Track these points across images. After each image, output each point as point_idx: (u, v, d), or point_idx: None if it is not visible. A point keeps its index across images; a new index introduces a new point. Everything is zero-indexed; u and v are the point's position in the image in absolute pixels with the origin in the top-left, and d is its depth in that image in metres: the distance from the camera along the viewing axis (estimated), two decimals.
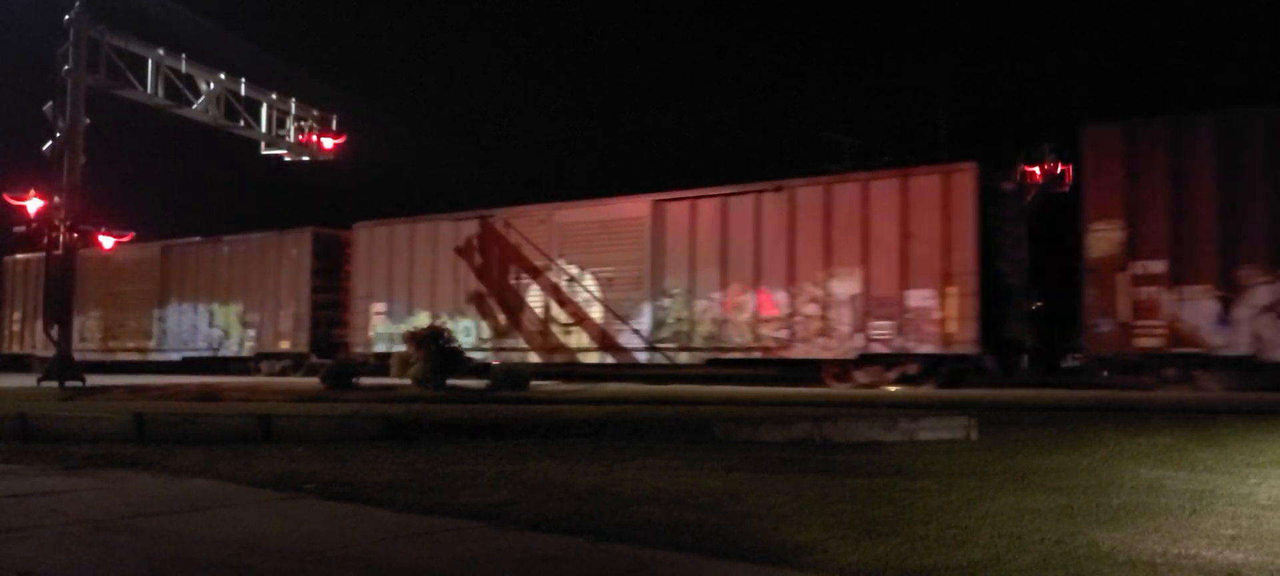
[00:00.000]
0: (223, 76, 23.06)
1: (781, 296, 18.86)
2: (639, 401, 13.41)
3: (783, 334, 18.78)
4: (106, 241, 23.01)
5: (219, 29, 26.35)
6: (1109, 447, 7.79)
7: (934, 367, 17.51)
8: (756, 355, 18.78)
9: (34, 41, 21.37)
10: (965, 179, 17.23)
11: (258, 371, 26.42)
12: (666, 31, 51.53)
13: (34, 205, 20.36)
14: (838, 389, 17.36)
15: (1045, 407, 11.95)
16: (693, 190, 20.19)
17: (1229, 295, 14.70)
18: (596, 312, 21.37)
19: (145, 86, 21.50)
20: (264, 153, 24.84)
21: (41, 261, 28.74)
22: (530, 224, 22.64)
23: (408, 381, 18.22)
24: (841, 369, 18.26)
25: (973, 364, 17.36)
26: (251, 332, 27.17)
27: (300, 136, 24.80)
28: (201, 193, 41.47)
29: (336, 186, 31.89)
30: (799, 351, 18.68)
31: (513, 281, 22.65)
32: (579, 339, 21.53)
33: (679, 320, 19.83)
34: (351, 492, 6.06)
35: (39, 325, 27.32)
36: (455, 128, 52.42)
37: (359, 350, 24.65)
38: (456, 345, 19.72)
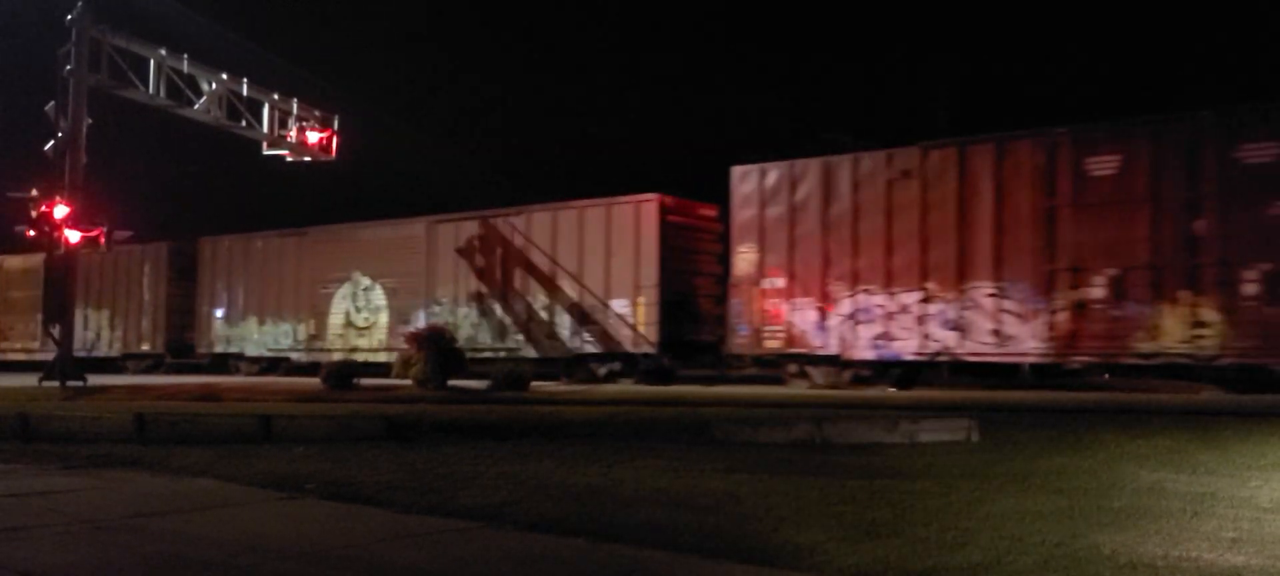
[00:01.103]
0: (225, 76, 23.06)
1: (520, 304, 22.15)
2: (639, 402, 13.41)
3: (520, 337, 22.09)
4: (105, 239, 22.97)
5: (221, 29, 26.28)
6: (1110, 449, 7.78)
7: (633, 365, 20.33)
8: (502, 354, 21.67)
9: (36, 41, 21.37)
10: (651, 209, 20.25)
11: (126, 369, 28.75)
12: (666, 31, 51.58)
13: (36, 204, 20.35)
14: (566, 385, 19.56)
15: (1046, 409, 11.95)
16: (458, 214, 23.62)
17: (825, 307, 17.68)
18: (384, 318, 24.58)
19: (147, 87, 21.48)
20: (266, 153, 24.84)
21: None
22: (335, 241, 25.85)
23: (409, 381, 18.24)
24: (566, 366, 20.93)
25: (656, 361, 20.13)
26: (118, 335, 29.77)
27: (302, 137, 24.82)
28: (204, 192, 41.41)
29: (339, 185, 31.85)
30: (531, 351, 21.69)
31: (322, 290, 25.77)
32: (371, 340, 24.71)
33: (447, 324, 22.47)
34: (352, 493, 6.06)
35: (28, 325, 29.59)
36: (459, 127, 52.44)
37: (202, 349, 27.94)
38: (459, 346, 19.82)
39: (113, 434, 9.42)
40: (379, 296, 24.59)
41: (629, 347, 20.26)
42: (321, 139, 25.13)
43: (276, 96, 24.41)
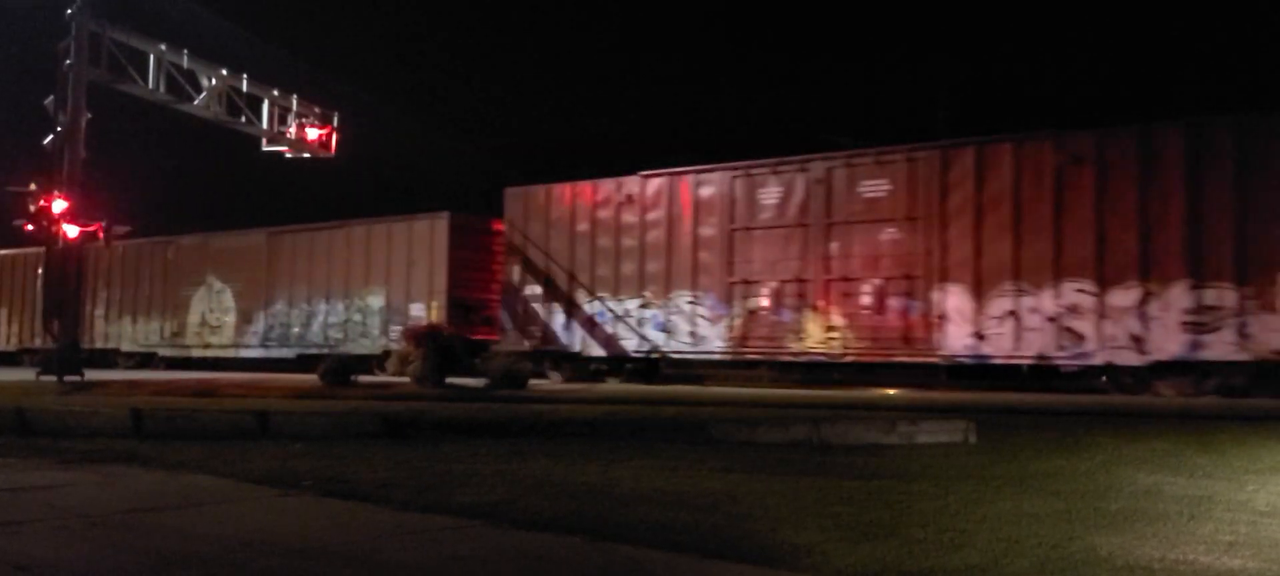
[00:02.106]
0: (225, 72, 23.01)
1: (340, 306, 25.23)
2: (637, 401, 13.40)
3: (340, 335, 25.05)
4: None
5: (222, 23, 26.24)
6: (1107, 452, 7.78)
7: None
8: (326, 351, 23.98)
9: (36, 34, 21.29)
10: (442, 224, 23.24)
11: (22, 362, 29.89)
12: (669, 30, 51.57)
13: (35, 199, 20.30)
14: (380, 377, 20.67)
15: (1044, 411, 11.95)
16: (296, 226, 26.65)
17: (570, 312, 20.86)
18: (231, 318, 27.71)
19: (147, 81, 21.45)
20: (265, 149, 24.81)
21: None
22: (195, 248, 28.62)
23: (406, 379, 18.21)
24: (377, 362, 22.42)
25: None
26: (15, 330, 32.51)
27: (301, 133, 24.79)
28: (203, 186, 41.31)
29: (340, 182, 31.79)
30: (349, 348, 24.15)
31: (183, 292, 28.75)
32: (222, 338, 27.92)
33: (282, 325, 26.22)
34: (349, 490, 6.05)
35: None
36: (460, 123, 52.37)
37: (86, 344, 29.09)
38: (455, 344, 19.84)
39: (109, 429, 9.40)
40: (228, 298, 27.82)
41: None
42: (321, 136, 25.11)
43: (276, 92, 24.37)
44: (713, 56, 50.26)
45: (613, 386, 18.93)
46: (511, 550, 4.49)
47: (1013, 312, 16.24)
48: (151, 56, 21.60)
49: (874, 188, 17.69)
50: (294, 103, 24.73)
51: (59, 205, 19.53)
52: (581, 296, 20.67)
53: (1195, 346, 15.02)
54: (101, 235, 20.87)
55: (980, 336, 16.49)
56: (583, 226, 20.79)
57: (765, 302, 18.57)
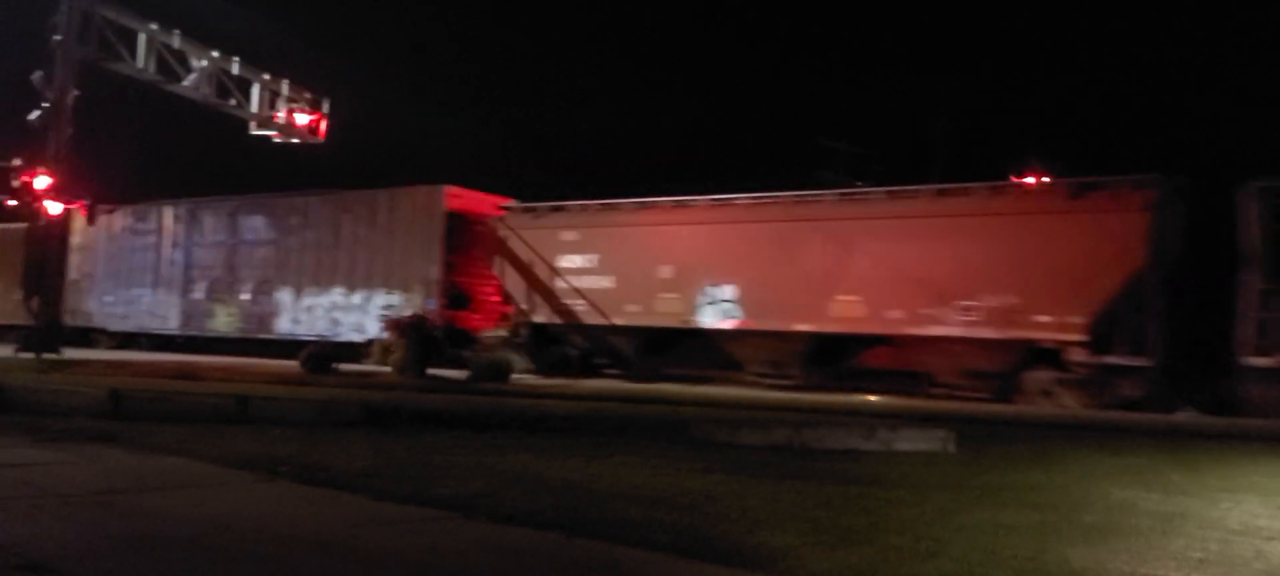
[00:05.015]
0: (216, 54, 22.90)
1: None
2: (620, 399, 13.40)
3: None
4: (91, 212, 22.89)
5: (213, 4, 26.10)
6: (1084, 466, 7.83)
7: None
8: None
9: (26, 8, 21.10)
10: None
11: None
12: (668, 30, 51.64)
13: (18, 173, 20.14)
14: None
15: (1024, 424, 12.02)
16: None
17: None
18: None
19: (136, 60, 21.33)
20: (253, 132, 24.71)
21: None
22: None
23: (388, 369, 18.16)
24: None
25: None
26: None
27: (290, 118, 24.69)
28: (191, 167, 41.09)
29: (336, 166, 31.74)
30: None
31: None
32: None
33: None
34: (327, 477, 6.03)
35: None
36: (455, 108, 52.22)
37: None
38: (439, 334, 19.76)
39: (88, 408, 9.34)
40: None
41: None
42: (311, 122, 25.01)
43: (267, 76, 24.26)
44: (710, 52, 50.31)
45: (595, 383, 18.88)
46: (488, 543, 4.48)
47: (310, 307, 23.93)
48: (142, 36, 21.49)
49: (254, 224, 25.23)
50: (284, 87, 24.64)
51: (42, 181, 19.38)
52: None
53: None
54: (84, 212, 20.74)
55: (296, 321, 24.18)
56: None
57: (200, 295, 25.89)
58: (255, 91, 24.11)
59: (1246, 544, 4.94)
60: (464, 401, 11.73)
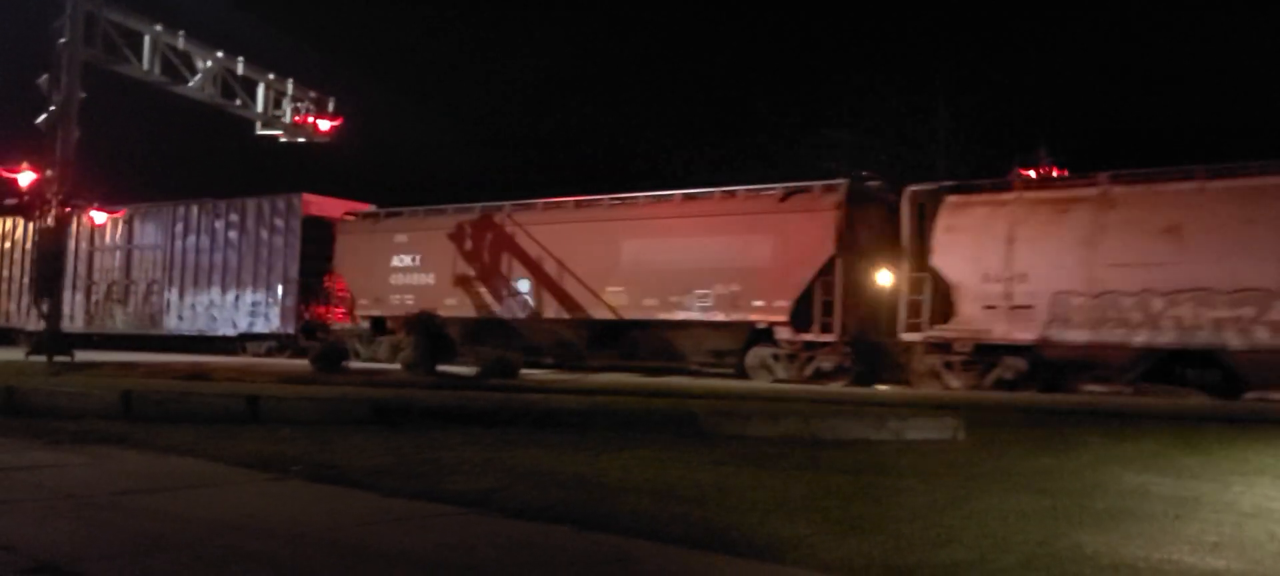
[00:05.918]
0: (220, 55, 22.88)
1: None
2: (629, 392, 13.40)
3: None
4: (98, 216, 23.00)
5: (218, 4, 26.12)
6: (1095, 452, 7.81)
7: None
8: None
9: (32, 11, 21.11)
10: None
11: None
12: (670, 29, 51.54)
13: (26, 178, 20.18)
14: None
15: (1033, 410, 11.99)
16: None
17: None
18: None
19: (142, 62, 21.34)
20: (259, 132, 24.71)
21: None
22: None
23: (397, 366, 18.19)
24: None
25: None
26: None
27: (297, 117, 24.68)
28: (195, 168, 41.17)
29: (339, 166, 31.79)
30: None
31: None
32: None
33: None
34: (338, 475, 6.05)
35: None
36: (462, 111, 52.20)
37: None
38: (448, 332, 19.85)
39: (99, 410, 9.38)
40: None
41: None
42: (317, 121, 25.01)
43: (272, 76, 24.24)
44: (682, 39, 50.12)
45: (602, 377, 18.98)
46: (500, 538, 4.49)
47: (192, 305, 26.31)
48: (147, 37, 21.47)
49: (145, 227, 27.90)
50: (290, 87, 24.61)
51: (51, 184, 19.41)
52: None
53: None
54: (89, 217, 20.80)
55: (180, 318, 26.47)
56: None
57: (100, 297, 27.82)
58: (260, 91, 24.09)
59: (1260, 526, 4.92)
60: (473, 397, 11.74)
